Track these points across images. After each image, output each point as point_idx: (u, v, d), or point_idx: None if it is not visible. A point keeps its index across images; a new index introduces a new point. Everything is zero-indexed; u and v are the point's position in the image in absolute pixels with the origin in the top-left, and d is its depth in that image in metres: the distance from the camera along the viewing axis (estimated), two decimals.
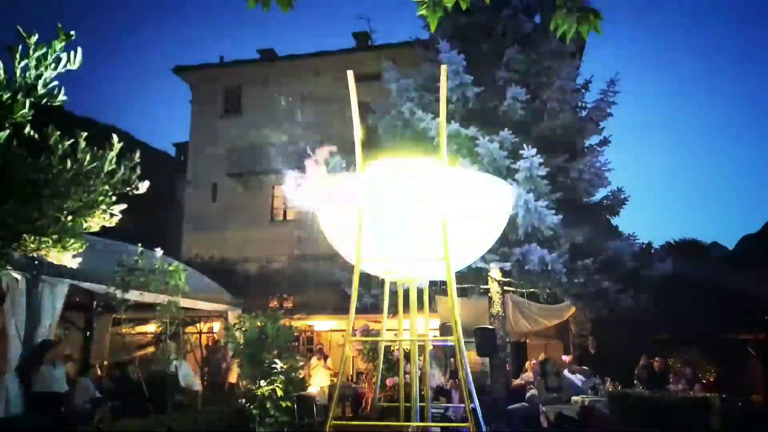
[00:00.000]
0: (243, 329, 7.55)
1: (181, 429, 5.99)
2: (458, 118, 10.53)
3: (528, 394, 9.33)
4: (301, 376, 8.39)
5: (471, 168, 9.51)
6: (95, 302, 8.73)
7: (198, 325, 11.80)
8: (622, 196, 11.28)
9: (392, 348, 10.94)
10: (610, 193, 11.37)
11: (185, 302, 8.12)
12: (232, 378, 10.64)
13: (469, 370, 5.72)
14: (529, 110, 10.65)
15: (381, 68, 11.89)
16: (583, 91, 11.78)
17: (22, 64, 2.81)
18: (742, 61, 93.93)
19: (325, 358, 12.47)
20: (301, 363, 8.20)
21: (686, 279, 12.53)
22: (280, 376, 6.76)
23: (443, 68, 5.56)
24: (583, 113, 11.66)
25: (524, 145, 9.56)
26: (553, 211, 9.50)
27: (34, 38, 2.78)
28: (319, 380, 11.68)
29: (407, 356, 7.49)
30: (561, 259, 9.38)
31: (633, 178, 51.98)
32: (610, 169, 10.82)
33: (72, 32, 2.87)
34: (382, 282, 6.57)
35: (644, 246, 11.63)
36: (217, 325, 12.45)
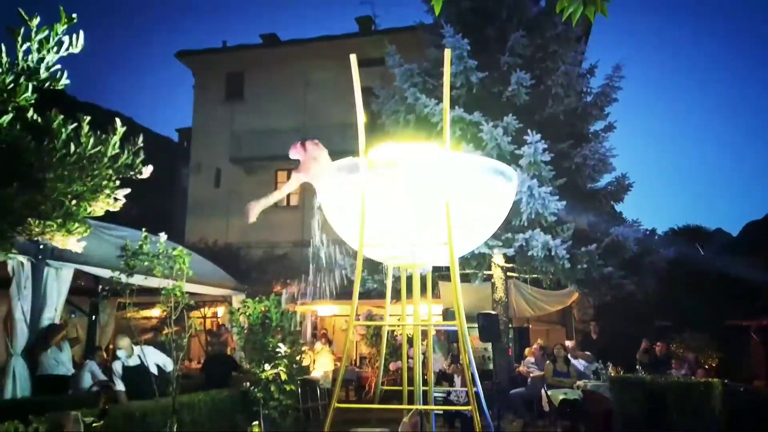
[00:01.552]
0: (247, 314, 7.59)
1: (185, 411, 6.05)
2: (462, 103, 10.47)
3: (530, 379, 9.38)
4: (305, 362, 8.46)
5: (475, 153, 9.48)
6: (100, 286, 8.78)
7: (202, 309, 11.87)
8: (627, 182, 11.23)
9: (395, 333, 11.00)
10: (614, 179, 11.32)
11: (189, 287, 8.14)
12: None
13: (471, 354, 5.76)
14: (534, 95, 10.58)
15: (384, 53, 11.81)
16: (588, 76, 11.69)
17: (24, 47, 2.80)
18: (750, 47, 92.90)
19: (330, 343, 12.57)
20: (305, 348, 8.26)
21: (689, 265, 12.52)
22: (284, 360, 6.81)
23: (447, 53, 5.52)
24: (588, 98, 11.58)
25: (528, 131, 9.51)
26: (557, 197, 9.48)
27: (36, 21, 2.76)
28: (323, 365, 11.78)
29: (410, 341, 7.53)
30: (564, 245, 9.37)
31: (637, 164, 51.77)
32: (614, 155, 10.78)
33: (74, 15, 2.85)
34: (386, 267, 6.59)
35: (648, 232, 11.61)
36: (221, 310, 12.53)
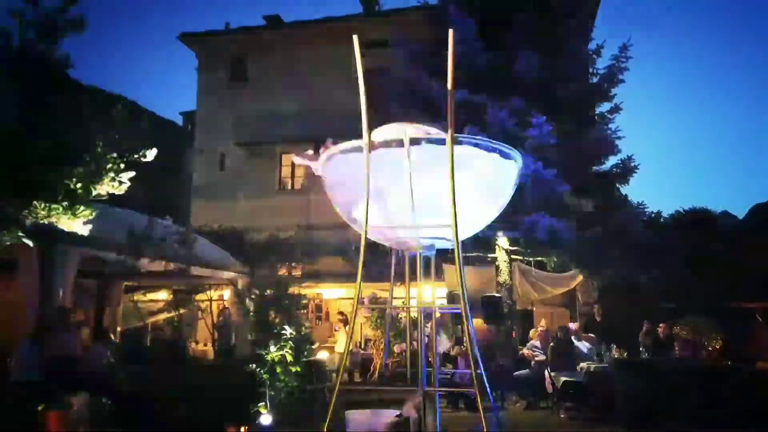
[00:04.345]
0: (253, 296, 7.65)
1: (192, 392, 6.14)
2: (467, 84, 10.39)
3: (534, 361, 9.43)
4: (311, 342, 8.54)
5: (479, 135, 9.43)
6: (107, 270, 8.85)
7: (208, 292, 11.94)
8: (632, 164, 11.17)
9: (399, 316, 11.06)
10: (620, 162, 11.27)
11: (195, 270, 8.20)
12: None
13: (475, 337, 5.79)
14: (540, 77, 10.48)
15: (389, 34, 11.70)
16: (595, 56, 11.57)
17: (27, 29, 2.79)
18: (757, 27, 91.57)
19: (346, 323, 12.74)
20: (310, 328, 8.33)
21: (694, 248, 12.48)
22: (290, 342, 6.87)
23: (451, 33, 5.45)
24: (595, 80, 11.48)
25: (534, 113, 9.45)
26: (562, 180, 9.44)
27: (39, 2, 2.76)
28: (342, 345, 11.97)
29: (414, 323, 7.58)
30: (569, 228, 9.36)
31: (643, 146, 51.30)
32: (620, 136, 10.71)
33: None
34: (390, 250, 6.60)
35: (653, 215, 11.58)
36: (227, 293, 12.61)
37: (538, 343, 9.79)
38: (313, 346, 8.79)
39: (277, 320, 7.16)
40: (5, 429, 3.99)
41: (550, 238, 9.40)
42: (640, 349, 9.26)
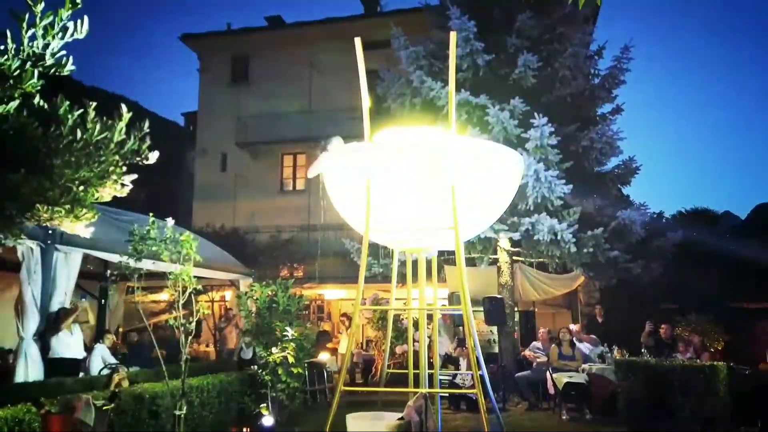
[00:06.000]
0: (254, 298, 7.66)
1: (194, 394, 6.14)
2: (468, 86, 10.39)
3: (536, 363, 9.42)
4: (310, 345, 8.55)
5: (481, 137, 9.43)
6: (109, 271, 8.87)
7: (210, 293, 11.96)
8: (634, 165, 11.15)
9: (401, 317, 11.07)
10: (621, 162, 11.24)
11: (197, 271, 8.17)
12: (232, 344, 10.93)
13: (477, 338, 5.79)
14: (541, 78, 10.47)
15: (390, 35, 11.70)
16: (596, 57, 11.55)
17: (29, 33, 2.79)
18: (760, 26, 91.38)
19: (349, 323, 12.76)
20: (313, 330, 8.32)
21: (697, 248, 12.47)
22: (291, 343, 6.87)
23: (453, 35, 5.47)
24: (596, 81, 11.46)
25: (535, 114, 9.44)
26: (563, 181, 9.43)
27: (41, 6, 2.75)
28: (346, 346, 11.97)
29: (416, 325, 7.59)
30: (570, 229, 9.35)
31: (645, 147, 51.29)
32: (622, 137, 10.68)
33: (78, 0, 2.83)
34: (392, 252, 6.61)
35: (655, 215, 11.57)
36: (228, 294, 12.62)
37: (540, 344, 9.78)
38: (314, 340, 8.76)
39: (278, 321, 7.16)
40: (8, 431, 4.00)
41: (551, 239, 9.39)
42: (642, 350, 9.24)
